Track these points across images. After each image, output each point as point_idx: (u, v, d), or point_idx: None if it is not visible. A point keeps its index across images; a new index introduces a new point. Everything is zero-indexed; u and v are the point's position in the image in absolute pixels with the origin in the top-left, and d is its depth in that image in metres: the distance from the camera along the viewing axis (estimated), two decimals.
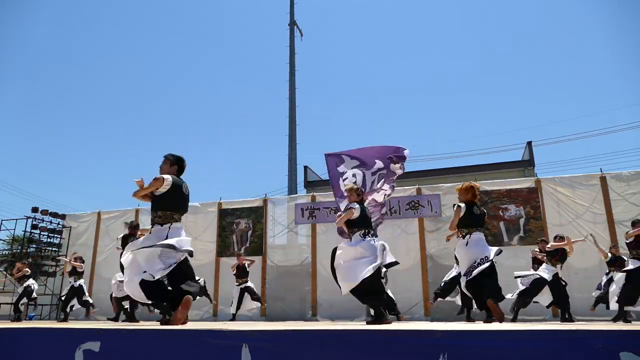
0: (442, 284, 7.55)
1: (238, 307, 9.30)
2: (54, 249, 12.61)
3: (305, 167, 19.65)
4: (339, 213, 5.52)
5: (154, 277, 3.76)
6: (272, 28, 69.05)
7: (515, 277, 7.36)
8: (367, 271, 4.39)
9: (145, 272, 3.78)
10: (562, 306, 7.22)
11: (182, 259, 3.93)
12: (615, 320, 7.08)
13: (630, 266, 6.89)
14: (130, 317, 7.78)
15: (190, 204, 4.36)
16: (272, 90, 74.56)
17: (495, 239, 9.04)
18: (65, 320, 8.67)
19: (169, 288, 3.91)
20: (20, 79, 68.48)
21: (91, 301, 9.18)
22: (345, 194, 5.29)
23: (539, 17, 69.71)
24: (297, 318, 10.07)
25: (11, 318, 9.86)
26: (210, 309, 10.56)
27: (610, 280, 7.54)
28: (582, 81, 76.56)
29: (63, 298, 9.05)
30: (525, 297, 7.22)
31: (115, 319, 8.28)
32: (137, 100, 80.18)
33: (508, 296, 6.53)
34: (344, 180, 6.43)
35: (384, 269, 6.08)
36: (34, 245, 12.45)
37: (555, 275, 7.10)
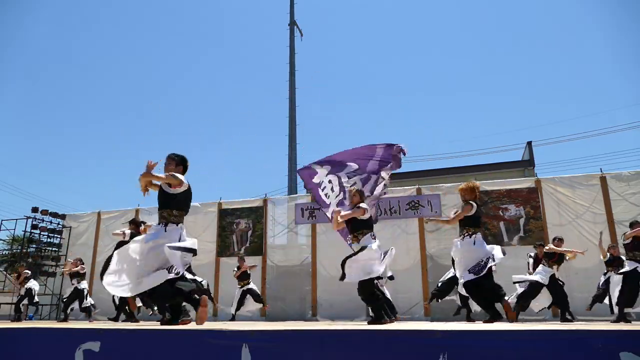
0: (439, 284, 7.54)
1: (238, 308, 9.30)
2: (54, 249, 12.59)
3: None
4: (339, 208, 5.43)
5: (178, 274, 3.89)
6: (272, 28, 69.08)
7: (514, 283, 7.36)
8: (376, 272, 4.74)
9: (169, 271, 3.86)
10: (561, 306, 7.23)
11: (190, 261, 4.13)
12: (615, 322, 7.08)
13: (626, 268, 6.90)
14: (130, 317, 7.78)
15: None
16: (272, 90, 74.61)
17: (495, 239, 9.02)
18: (65, 320, 8.67)
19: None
20: (20, 79, 68.53)
21: (92, 302, 9.13)
22: (347, 199, 5.32)
23: (539, 17, 69.74)
24: (297, 318, 10.06)
25: (11, 318, 9.87)
26: (210, 309, 10.56)
27: (607, 281, 7.55)
28: (582, 81, 76.60)
29: (65, 299, 9.04)
30: (524, 300, 7.23)
31: (116, 319, 8.28)
32: (137, 100, 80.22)
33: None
34: (322, 190, 6.35)
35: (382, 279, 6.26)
36: (34, 245, 12.45)
37: (552, 277, 7.11)
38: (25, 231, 12.19)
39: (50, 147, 71.10)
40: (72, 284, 8.92)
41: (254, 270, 9.74)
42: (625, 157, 56.70)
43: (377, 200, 6.47)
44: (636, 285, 6.79)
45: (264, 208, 11.18)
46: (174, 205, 4.05)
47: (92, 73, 73.49)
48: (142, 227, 6.74)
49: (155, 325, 3.83)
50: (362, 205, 4.93)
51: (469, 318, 7.22)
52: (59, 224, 12.66)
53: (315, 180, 6.34)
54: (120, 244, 6.81)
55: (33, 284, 9.68)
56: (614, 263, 7.51)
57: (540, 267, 7.27)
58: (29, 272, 9.90)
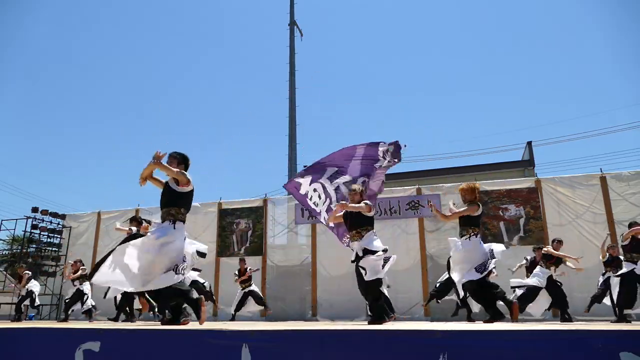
0: (437, 285, 7.52)
1: (238, 309, 9.29)
2: (54, 249, 12.59)
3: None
4: (344, 202, 5.36)
5: (184, 275, 4.00)
6: (272, 28, 69.12)
7: (511, 288, 7.34)
8: (384, 272, 4.78)
9: (176, 271, 3.92)
10: (560, 306, 7.22)
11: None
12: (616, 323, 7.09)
13: (624, 269, 6.91)
14: (130, 317, 7.78)
15: None
16: (272, 90, 74.67)
17: (495, 239, 9.01)
18: (65, 320, 8.66)
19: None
20: (20, 79, 68.54)
21: (93, 304, 9.09)
22: (349, 198, 5.27)
23: (539, 17, 69.75)
24: (297, 318, 10.06)
25: (11, 318, 9.86)
26: (210, 309, 10.55)
27: (606, 281, 7.55)
28: (582, 81, 76.61)
29: (67, 300, 9.02)
30: (522, 303, 7.22)
31: (116, 319, 8.27)
32: (137, 100, 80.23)
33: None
34: (310, 199, 6.34)
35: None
36: (34, 245, 12.44)
37: (550, 278, 7.11)
38: (25, 231, 12.21)
39: (50, 147, 71.17)
40: (74, 285, 8.90)
41: (255, 273, 9.70)
42: (625, 157, 56.72)
43: (376, 196, 6.46)
44: (634, 286, 6.81)
45: (264, 208, 11.18)
46: (182, 204, 4.06)
47: (92, 73, 73.58)
48: (143, 225, 6.72)
49: (155, 325, 3.83)
50: (368, 202, 4.94)
51: (470, 318, 7.22)
52: (59, 224, 12.66)
53: (302, 191, 6.35)
54: (126, 240, 6.81)
55: (34, 285, 9.66)
56: (612, 263, 7.50)
57: (538, 268, 7.26)
58: (30, 272, 9.88)
